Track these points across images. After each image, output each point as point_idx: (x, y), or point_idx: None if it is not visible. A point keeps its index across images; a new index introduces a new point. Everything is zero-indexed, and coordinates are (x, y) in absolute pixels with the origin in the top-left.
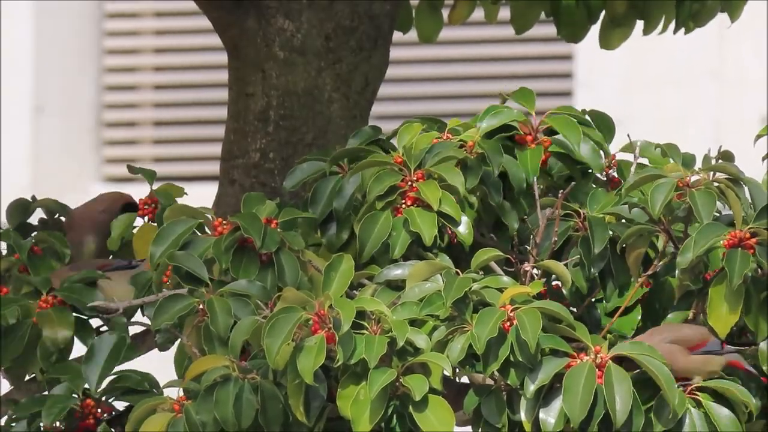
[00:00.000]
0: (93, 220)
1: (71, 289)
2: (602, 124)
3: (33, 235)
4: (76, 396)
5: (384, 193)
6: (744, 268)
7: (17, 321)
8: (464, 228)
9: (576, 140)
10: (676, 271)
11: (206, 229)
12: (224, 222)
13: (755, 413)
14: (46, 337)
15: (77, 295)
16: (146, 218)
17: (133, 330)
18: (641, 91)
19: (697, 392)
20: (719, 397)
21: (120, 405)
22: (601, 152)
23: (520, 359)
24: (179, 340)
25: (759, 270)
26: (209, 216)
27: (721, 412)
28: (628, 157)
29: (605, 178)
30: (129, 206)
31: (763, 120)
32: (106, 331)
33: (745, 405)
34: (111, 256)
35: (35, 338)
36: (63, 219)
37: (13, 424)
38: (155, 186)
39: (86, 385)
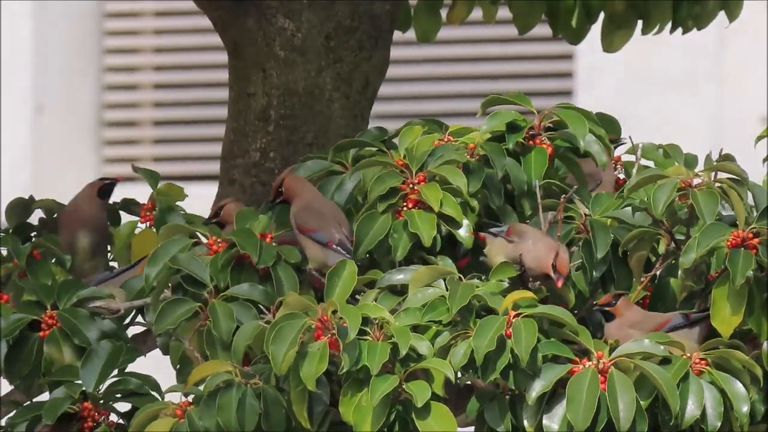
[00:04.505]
0: (82, 215)
1: (73, 314)
2: (607, 126)
3: (32, 240)
4: (74, 398)
5: (385, 195)
6: (747, 267)
7: (23, 337)
8: (465, 230)
9: (582, 133)
10: (679, 272)
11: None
12: (219, 240)
13: (760, 380)
14: (49, 354)
15: (78, 322)
16: (147, 224)
17: (134, 331)
18: (641, 90)
19: (702, 366)
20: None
21: (121, 407)
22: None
23: (521, 366)
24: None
25: (762, 270)
26: (204, 233)
27: (732, 384)
28: (633, 158)
29: None
30: (105, 189)
31: (763, 120)
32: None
33: (749, 372)
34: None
35: (40, 351)
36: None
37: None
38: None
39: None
